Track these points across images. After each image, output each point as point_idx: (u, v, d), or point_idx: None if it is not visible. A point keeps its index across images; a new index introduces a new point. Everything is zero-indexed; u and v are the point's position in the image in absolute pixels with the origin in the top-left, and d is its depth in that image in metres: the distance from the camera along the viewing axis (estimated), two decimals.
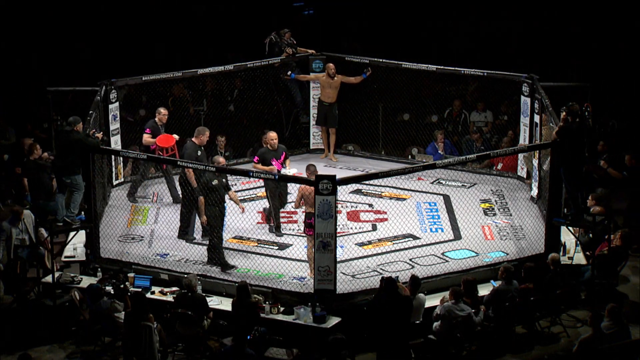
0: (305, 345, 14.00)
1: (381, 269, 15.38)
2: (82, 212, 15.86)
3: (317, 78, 19.57)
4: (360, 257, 15.79)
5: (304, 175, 15.47)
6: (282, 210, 16.87)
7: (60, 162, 15.49)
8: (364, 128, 19.98)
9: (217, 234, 15.28)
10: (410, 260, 15.70)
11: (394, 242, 16.32)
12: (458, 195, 17.97)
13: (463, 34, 24.18)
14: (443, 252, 15.96)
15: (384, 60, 19.25)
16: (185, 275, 14.57)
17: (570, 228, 15.77)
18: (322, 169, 17.13)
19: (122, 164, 18.43)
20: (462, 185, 18.52)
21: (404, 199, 17.89)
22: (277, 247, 16.08)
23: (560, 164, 15.45)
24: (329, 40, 20.66)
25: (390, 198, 17.97)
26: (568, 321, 14.99)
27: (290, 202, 16.83)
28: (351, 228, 16.76)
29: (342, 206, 17.21)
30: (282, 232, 16.52)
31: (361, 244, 16.23)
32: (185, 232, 16.30)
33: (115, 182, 18.20)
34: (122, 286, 14.67)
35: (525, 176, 18.37)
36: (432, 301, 14.40)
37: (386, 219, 17.10)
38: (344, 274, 15.13)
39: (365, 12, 24.62)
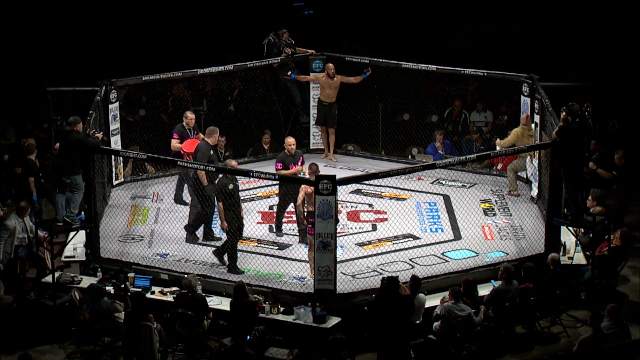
0: (305, 345, 14.00)
1: (381, 269, 15.38)
2: (82, 212, 15.86)
3: (317, 78, 19.57)
4: (360, 257, 15.78)
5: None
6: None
7: (60, 162, 15.49)
8: (364, 128, 19.98)
9: (232, 237, 15.21)
10: (410, 260, 15.69)
11: (394, 242, 16.32)
12: (458, 195, 17.97)
13: (463, 34, 24.19)
14: (443, 252, 15.96)
15: (384, 60, 19.25)
16: (185, 275, 14.57)
17: (571, 228, 15.77)
18: (322, 169, 17.10)
19: (122, 164, 18.43)
20: (462, 185, 18.52)
21: (404, 199, 17.89)
22: (277, 247, 16.08)
23: (560, 164, 15.45)
24: (329, 40, 20.69)
25: (390, 198, 17.97)
26: (568, 321, 14.99)
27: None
28: (351, 228, 16.76)
29: (342, 206, 17.20)
30: (282, 232, 16.52)
31: (361, 244, 16.23)
32: (207, 234, 16.26)
33: (115, 182, 18.20)
34: (122, 286, 14.67)
35: (525, 176, 18.37)
36: (432, 301, 14.40)
37: (386, 219, 17.10)
38: (344, 274, 15.13)
39: (365, 12, 24.63)
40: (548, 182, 15.86)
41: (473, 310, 14.04)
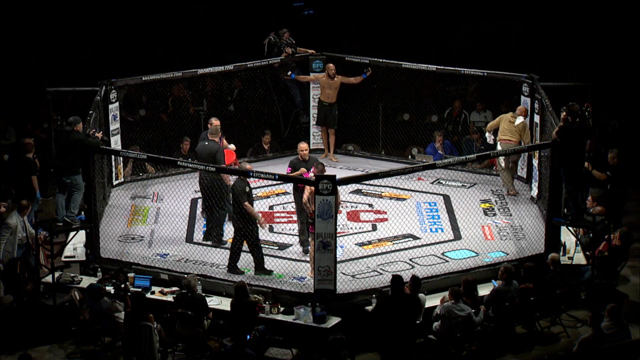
0: (305, 345, 14.00)
1: (381, 269, 15.38)
2: (82, 212, 15.86)
3: (317, 79, 19.56)
4: (360, 257, 15.78)
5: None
6: (282, 210, 16.87)
7: (60, 162, 15.49)
8: (364, 128, 19.97)
9: (250, 238, 15.16)
10: (410, 260, 15.69)
11: (394, 242, 16.32)
12: (458, 195, 17.97)
13: (463, 34, 24.19)
14: (443, 252, 15.96)
15: (384, 60, 19.25)
16: (185, 275, 14.57)
17: (571, 228, 15.76)
18: None
19: (122, 164, 18.43)
20: (462, 185, 18.52)
21: (404, 199, 17.89)
22: (277, 247, 16.08)
23: (560, 164, 15.45)
24: (329, 40, 20.69)
25: (390, 198, 17.97)
26: (568, 321, 14.99)
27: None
28: (351, 228, 16.75)
29: (342, 206, 17.19)
30: (281, 232, 16.53)
31: (361, 244, 16.23)
32: (218, 236, 16.21)
33: (115, 182, 18.20)
34: (122, 286, 14.67)
35: (525, 176, 18.37)
36: (432, 301, 14.40)
37: (386, 219, 17.10)
38: (344, 274, 15.13)
39: (365, 12, 24.62)
40: (548, 182, 15.86)
41: (473, 310, 14.04)
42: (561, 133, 15.33)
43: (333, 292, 14.41)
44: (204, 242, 16.22)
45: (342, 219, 16.64)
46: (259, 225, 15.11)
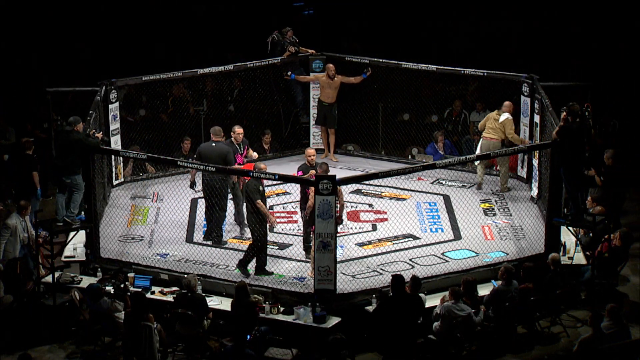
0: (305, 345, 14.00)
1: (381, 269, 15.38)
2: (82, 212, 15.86)
3: (316, 79, 19.56)
4: (360, 257, 15.78)
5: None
6: (282, 210, 16.86)
7: (60, 162, 15.49)
8: (364, 128, 19.97)
9: (257, 237, 15.12)
10: (410, 260, 15.69)
11: (394, 242, 16.32)
12: (458, 195, 17.96)
13: (463, 34, 24.18)
14: (443, 252, 15.96)
15: (384, 60, 19.25)
16: (185, 275, 14.57)
17: (571, 228, 15.76)
18: None
19: (122, 164, 18.43)
20: (462, 185, 18.51)
21: (404, 199, 17.89)
22: (277, 247, 16.07)
23: (560, 164, 15.45)
24: (329, 40, 20.68)
25: (390, 198, 17.97)
26: (568, 321, 14.99)
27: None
28: (351, 228, 16.75)
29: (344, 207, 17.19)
30: (281, 232, 16.51)
31: (361, 244, 16.22)
32: (218, 236, 16.18)
33: (115, 182, 18.20)
34: (122, 286, 14.67)
35: (525, 176, 18.38)
36: (432, 301, 14.40)
37: (386, 219, 17.10)
38: (344, 274, 15.13)
39: (365, 12, 24.62)
40: (548, 182, 15.86)
41: (473, 310, 14.04)
42: (561, 133, 15.34)
43: (333, 292, 14.41)
44: (204, 242, 16.22)
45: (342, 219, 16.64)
46: (269, 224, 15.07)
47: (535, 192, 17.45)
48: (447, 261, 15.67)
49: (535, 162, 17.52)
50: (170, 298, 14.66)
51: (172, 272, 15.27)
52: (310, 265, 15.00)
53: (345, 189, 17.54)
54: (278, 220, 16.59)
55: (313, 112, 19.89)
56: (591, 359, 13.26)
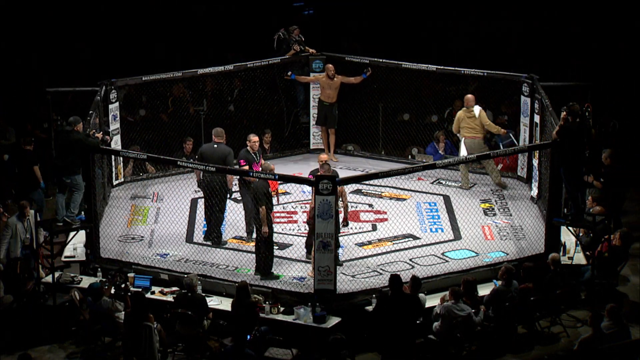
0: (305, 345, 14.00)
1: (381, 269, 15.38)
2: (82, 212, 15.86)
3: (316, 79, 19.56)
4: (360, 257, 15.78)
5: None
6: (282, 210, 16.87)
7: (60, 162, 15.49)
8: (364, 128, 19.97)
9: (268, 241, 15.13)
10: (410, 260, 15.69)
11: (394, 242, 16.32)
12: (458, 196, 17.96)
13: (463, 34, 24.18)
14: (443, 252, 15.96)
15: (384, 60, 19.25)
16: (186, 275, 14.56)
17: (571, 228, 15.76)
18: None
19: (122, 164, 18.43)
20: (462, 185, 18.49)
21: (404, 199, 17.89)
22: (277, 247, 16.05)
23: (560, 164, 15.45)
24: (329, 40, 20.66)
25: (390, 198, 17.97)
26: (568, 321, 14.99)
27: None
28: (351, 228, 16.74)
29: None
30: (281, 232, 16.50)
31: (361, 244, 16.22)
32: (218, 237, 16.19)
33: (115, 182, 18.20)
34: (122, 286, 14.67)
35: (525, 176, 18.38)
36: (432, 301, 14.40)
37: (386, 219, 17.10)
38: (344, 274, 15.13)
39: (365, 12, 24.62)
40: (548, 182, 15.86)
41: (473, 310, 14.04)
42: (561, 133, 15.34)
43: (333, 292, 14.41)
44: (204, 242, 16.21)
45: (342, 219, 16.63)
46: (262, 230, 15.06)
47: (535, 192, 17.45)
48: (447, 261, 15.67)
49: (535, 162, 17.52)
50: (170, 298, 14.66)
51: (172, 272, 15.27)
52: (311, 266, 14.97)
53: (345, 189, 17.56)
54: (278, 220, 16.58)
55: (313, 112, 19.89)
56: (591, 359, 13.25)
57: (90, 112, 16.60)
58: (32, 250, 15.65)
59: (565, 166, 15.41)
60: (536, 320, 14.77)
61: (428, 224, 16.95)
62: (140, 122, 19.26)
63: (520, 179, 18.55)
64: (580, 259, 15.75)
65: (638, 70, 22.33)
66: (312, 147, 20.17)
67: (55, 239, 15.42)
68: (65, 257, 15.93)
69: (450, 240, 16.38)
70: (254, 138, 16.43)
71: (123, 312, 14.12)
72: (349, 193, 17.87)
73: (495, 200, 17.85)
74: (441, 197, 18.00)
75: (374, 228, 16.86)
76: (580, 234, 16.05)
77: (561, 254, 15.56)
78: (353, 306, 14.48)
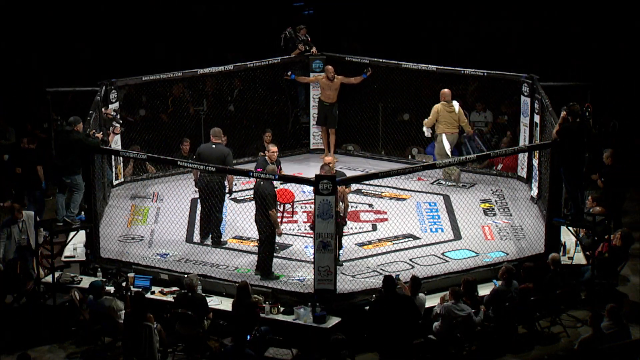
0: (305, 345, 14.00)
1: (381, 269, 15.38)
2: (82, 212, 15.86)
3: (316, 80, 19.56)
4: (361, 257, 15.78)
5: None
6: (282, 210, 16.88)
7: (61, 162, 15.49)
8: (364, 128, 19.97)
9: (267, 238, 15.08)
10: (410, 260, 15.69)
11: (394, 242, 16.32)
12: (458, 196, 17.96)
13: (463, 34, 24.18)
14: (443, 252, 15.96)
15: (384, 60, 19.25)
16: (186, 275, 14.56)
17: (571, 228, 15.76)
18: None
19: (122, 164, 18.43)
20: (462, 185, 18.51)
21: (404, 199, 17.89)
22: (277, 247, 16.04)
23: (560, 164, 15.45)
24: (329, 40, 20.65)
25: (390, 198, 17.97)
26: (568, 321, 14.99)
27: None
28: (351, 228, 16.74)
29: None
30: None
31: (361, 244, 16.22)
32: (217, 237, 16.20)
33: (115, 182, 18.20)
34: (123, 284, 14.67)
35: (525, 176, 18.38)
36: (432, 301, 14.40)
37: (386, 219, 17.10)
38: (344, 274, 15.13)
39: (365, 12, 24.62)
40: (548, 182, 15.86)
41: (473, 310, 14.04)
42: (561, 133, 15.33)
43: (333, 292, 14.41)
44: (204, 242, 16.21)
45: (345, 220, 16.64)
46: (277, 232, 15.07)
47: (535, 192, 17.45)
48: (447, 261, 15.67)
49: (535, 162, 17.52)
50: (170, 298, 14.66)
51: (172, 272, 15.27)
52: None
53: (345, 190, 17.56)
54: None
55: (313, 112, 19.89)
56: (591, 359, 13.25)
57: (90, 112, 16.60)
58: (30, 251, 15.64)
59: (565, 166, 15.41)
60: (536, 320, 14.77)
61: (428, 224, 16.95)
62: (140, 122, 19.26)
63: (520, 179, 18.55)
64: (580, 259, 15.75)
65: (638, 70, 22.33)
66: (312, 147, 20.17)
67: (55, 239, 15.42)
68: (65, 257, 15.93)
69: (450, 240, 16.38)
70: (273, 148, 16.39)
71: (123, 312, 14.11)
72: (349, 193, 17.88)
73: (495, 200, 17.85)
74: (441, 197, 18.01)
75: (374, 228, 16.86)
76: (581, 235, 16.05)
77: (561, 254, 15.56)
78: (353, 306, 14.48)
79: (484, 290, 14.64)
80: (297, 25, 20.02)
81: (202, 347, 14.09)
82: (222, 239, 16.17)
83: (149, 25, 23.87)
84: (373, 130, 20.05)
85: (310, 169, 17.73)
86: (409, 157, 19.79)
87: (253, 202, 17.54)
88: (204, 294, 14.48)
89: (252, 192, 18.00)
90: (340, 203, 14.89)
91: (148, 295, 14.61)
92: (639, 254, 16.88)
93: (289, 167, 18.42)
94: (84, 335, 14.58)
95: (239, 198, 17.88)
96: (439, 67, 18.93)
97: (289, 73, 19.46)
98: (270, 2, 24.54)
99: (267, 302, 14.42)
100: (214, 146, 16.11)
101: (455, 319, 13.92)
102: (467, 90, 20.78)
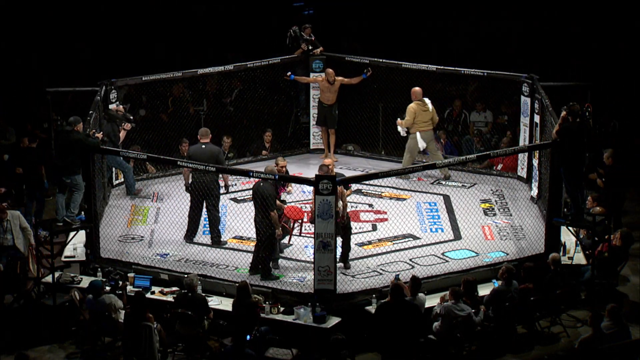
0: (305, 345, 14.00)
1: (381, 269, 15.38)
2: (82, 212, 15.86)
3: (316, 81, 19.56)
4: (361, 257, 15.78)
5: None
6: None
7: (61, 162, 15.49)
8: (364, 128, 19.97)
9: (267, 238, 15.09)
10: (410, 260, 15.69)
11: (394, 242, 16.32)
12: (458, 196, 17.96)
13: (463, 34, 24.18)
14: (443, 252, 15.96)
15: (384, 60, 19.25)
16: (186, 275, 14.56)
17: (571, 228, 15.76)
18: None
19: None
20: (462, 185, 18.51)
21: (404, 199, 17.89)
22: (281, 248, 16.04)
23: (560, 164, 15.45)
24: (329, 40, 20.66)
25: (390, 198, 17.97)
26: (568, 321, 14.99)
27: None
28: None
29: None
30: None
31: (361, 244, 16.22)
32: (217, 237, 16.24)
33: (115, 182, 18.20)
34: (120, 283, 14.68)
35: (525, 176, 18.39)
36: (432, 301, 14.40)
37: (386, 219, 17.10)
38: (344, 274, 15.12)
39: (365, 12, 24.62)
40: (548, 182, 15.86)
41: (473, 310, 14.04)
42: (561, 133, 15.33)
43: (333, 292, 14.41)
44: (204, 242, 16.21)
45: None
46: (277, 234, 15.07)
47: (535, 192, 17.45)
48: (447, 261, 15.67)
49: (535, 162, 17.52)
50: (170, 298, 14.66)
51: (172, 272, 15.27)
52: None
53: (344, 190, 17.56)
54: None
55: (313, 112, 19.89)
56: (591, 359, 13.25)
57: (90, 112, 16.60)
58: (16, 250, 15.61)
59: (565, 166, 15.41)
60: (536, 320, 14.77)
61: (428, 224, 16.95)
62: (140, 122, 19.25)
63: (520, 179, 18.55)
64: (580, 259, 15.75)
65: (638, 70, 22.33)
66: (312, 147, 20.17)
67: (55, 239, 15.42)
68: (65, 257, 15.92)
69: (450, 240, 16.38)
70: (282, 162, 16.40)
71: (123, 312, 14.11)
72: (350, 194, 17.89)
73: (495, 200, 17.85)
74: (441, 197, 18.01)
75: (374, 228, 16.86)
76: (581, 235, 16.05)
77: (561, 254, 15.56)
78: (353, 306, 14.48)
79: (484, 290, 14.64)
80: (303, 24, 20.01)
81: (202, 347, 14.09)
82: (222, 239, 16.16)
83: (149, 25, 23.87)
84: (373, 130, 20.06)
85: (310, 169, 17.73)
86: None
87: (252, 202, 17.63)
88: (204, 294, 14.47)
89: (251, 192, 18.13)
90: (339, 202, 14.89)
91: (148, 295, 14.60)
92: (639, 254, 16.89)
93: (289, 167, 18.39)
94: (84, 335, 14.58)
95: (239, 198, 17.89)
96: (439, 67, 18.93)
97: (289, 74, 19.45)
98: (270, 2, 24.55)
99: (267, 302, 14.42)
100: (203, 146, 16.14)
101: (455, 319, 13.92)
102: (467, 90, 20.78)
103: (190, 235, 16.24)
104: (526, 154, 18.05)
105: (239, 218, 16.45)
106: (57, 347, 14.58)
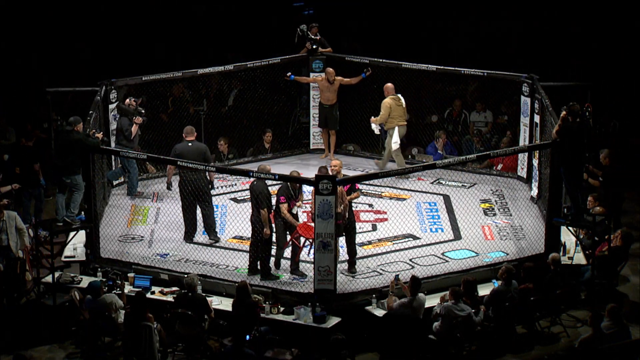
0: (305, 345, 14.00)
1: (381, 269, 15.38)
2: (82, 212, 15.86)
3: (315, 81, 19.56)
4: (361, 257, 15.77)
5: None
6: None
7: (61, 162, 15.49)
8: (364, 128, 19.96)
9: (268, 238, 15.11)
10: (410, 260, 15.70)
11: (394, 242, 16.32)
12: (458, 195, 17.96)
13: (463, 34, 24.17)
14: (443, 252, 15.96)
15: (384, 60, 19.25)
16: (186, 275, 14.56)
17: (571, 228, 15.76)
18: None
19: (122, 164, 18.41)
20: (462, 185, 18.52)
21: (404, 199, 17.89)
22: (276, 247, 16.03)
23: (560, 164, 15.45)
24: (329, 40, 20.64)
25: (390, 198, 17.97)
26: (568, 321, 14.99)
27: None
28: None
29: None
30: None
31: (361, 244, 16.21)
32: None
33: (115, 182, 18.20)
34: (118, 281, 14.68)
35: (525, 176, 18.39)
36: (432, 301, 14.40)
37: (386, 219, 17.10)
38: (344, 274, 15.12)
39: (365, 12, 24.61)
40: (548, 182, 15.86)
41: (473, 310, 14.04)
42: (561, 133, 15.34)
43: (333, 292, 14.41)
44: (204, 242, 16.20)
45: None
46: (265, 232, 15.05)
47: (535, 192, 17.45)
48: (447, 261, 15.68)
49: (535, 162, 17.52)
50: (170, 298, 14.66)
51: (172, 272, 15.27)
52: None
53: (344, 190, 17.55)
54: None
55: (314, 112, 19.89)
56: (591, 359, 13.26)
57: (90, 112, 16.60)
58: (10, 251, 15.59)
59: (565, 166, 15.41)
60: (536, 320, 14.77)
61: (428, 224, 16.95)
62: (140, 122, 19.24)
63: (520, 179, 18.55)
64: (580, 259, 15.75)
65: (638, 70, 22.32)
66: (312, 147, 20.17)
67: (55, 239, 15.42)
68: (65, 257, 15.93)
69: (450, 240, 16.38)
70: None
71: (123, 312, 14.11)
72: (357, 197, 17.87)
73: (495, 200, 17.85)
74: (441, 197, 18.01)
75: (374, 228, 16.86)
76: (581, 236, 16.05)
77: (561, 254, 15.56)
78: (353, 306, 14.48)
79: (484, 290, 14.64)
80: (311, 23, 20.02)
81: (202, 347, 14.09)
82: (217, 235, 16.17)
83: (149, 25, 23.86)
84: (373, 130, 20.01)
85: (310, 169, 17.73)
86: (409, 157, 19.78)
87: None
88: (204, 294, 14.47)
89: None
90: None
91: (148, 295, 14.60)
92: (639, 254, 16.90)
93: (289, 167, 18.38)
94: (84, 335, 14.58)
95: (238, 198, 17.89)
96: (439, 67, 18.94)
97: (288, 74, 19.45)
98: (270, 2, 24.54)
99: (267, 302, 14.42)
100: (190, 144, 16.17)
101: (455, 319, 13.92)
102: (467, 90, 20.78)
103: (190, 235, 16.25)
104: (526, 154, 18.06)
105: (238, 218, 16.45)
106: (57, 347, 14.59)
